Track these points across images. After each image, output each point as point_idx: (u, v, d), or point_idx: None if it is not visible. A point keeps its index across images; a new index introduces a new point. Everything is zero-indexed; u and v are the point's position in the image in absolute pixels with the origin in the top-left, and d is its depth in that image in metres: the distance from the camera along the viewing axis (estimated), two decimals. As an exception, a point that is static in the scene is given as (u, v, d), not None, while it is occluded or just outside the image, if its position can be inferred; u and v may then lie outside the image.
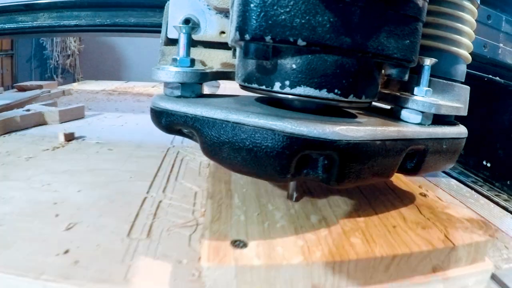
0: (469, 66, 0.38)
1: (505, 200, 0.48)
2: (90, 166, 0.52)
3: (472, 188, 0.49)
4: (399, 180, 0.46)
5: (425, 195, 0.42)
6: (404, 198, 0.40)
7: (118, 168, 0.52)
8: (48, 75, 2.48)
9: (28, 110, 0.78)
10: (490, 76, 0.57)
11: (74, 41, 2.53)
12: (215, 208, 0.34)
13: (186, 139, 0.64)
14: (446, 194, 0.44)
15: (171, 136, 0.70)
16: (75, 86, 1.53)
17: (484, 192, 0.48)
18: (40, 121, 0.78)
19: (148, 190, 0.44)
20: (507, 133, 0.61)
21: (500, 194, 0.57)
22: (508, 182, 0.59)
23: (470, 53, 0.37)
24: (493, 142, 0.64)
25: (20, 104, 0.89)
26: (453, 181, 0.53)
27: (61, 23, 0.76)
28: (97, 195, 0.42)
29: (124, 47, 2.71)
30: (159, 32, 0.40)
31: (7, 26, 0.76)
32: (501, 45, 0.55)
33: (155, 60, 0.39)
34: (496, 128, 0.64)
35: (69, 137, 0.66)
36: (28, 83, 1.21)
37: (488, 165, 0.64)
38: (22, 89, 1.16)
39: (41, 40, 2.39)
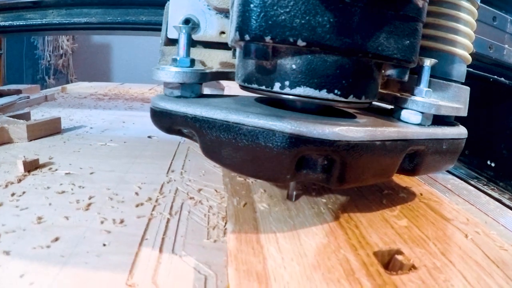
0: (475, 67, 0.38)
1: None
2: (47, 219, 0.35)
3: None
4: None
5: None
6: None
7: (87, 224, 0.34)
8: (40, 76, 2.33)
9: (-10, 124, 0.59)
10: (495, 76, 0.58)
11: (67, 40, 2.37)
12: None
13: (187, 165, 0.53)
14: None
15: (166, 162, 0.54)
16: (65, 88, 1.37)
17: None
18: (4, 139, 0.58)
19: (128, 278, 0.27)
20: (511, 134, 0.62)
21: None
22: (512, 182, 0.60)
23: (470, 54, 0.37)
24: (498, 142, 0.65)
25: (-11, 115, 0.70)
26: (494, 202, 0.44)
27: (71, 21, 0.75)
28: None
29: (120, 47, 2.62)
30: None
31: (15, 23, 0.76)
32: (506, 46, 0.55)
33: (153, 61, 0.39)
34: (501, 129, 0.65)
35: (31, 166, 0.47)
36: (6, 87, 1.05)
37: (492, 165, 0.65)
38: (-1, 95, 0.97)
39: (32, 38, 2.26)
